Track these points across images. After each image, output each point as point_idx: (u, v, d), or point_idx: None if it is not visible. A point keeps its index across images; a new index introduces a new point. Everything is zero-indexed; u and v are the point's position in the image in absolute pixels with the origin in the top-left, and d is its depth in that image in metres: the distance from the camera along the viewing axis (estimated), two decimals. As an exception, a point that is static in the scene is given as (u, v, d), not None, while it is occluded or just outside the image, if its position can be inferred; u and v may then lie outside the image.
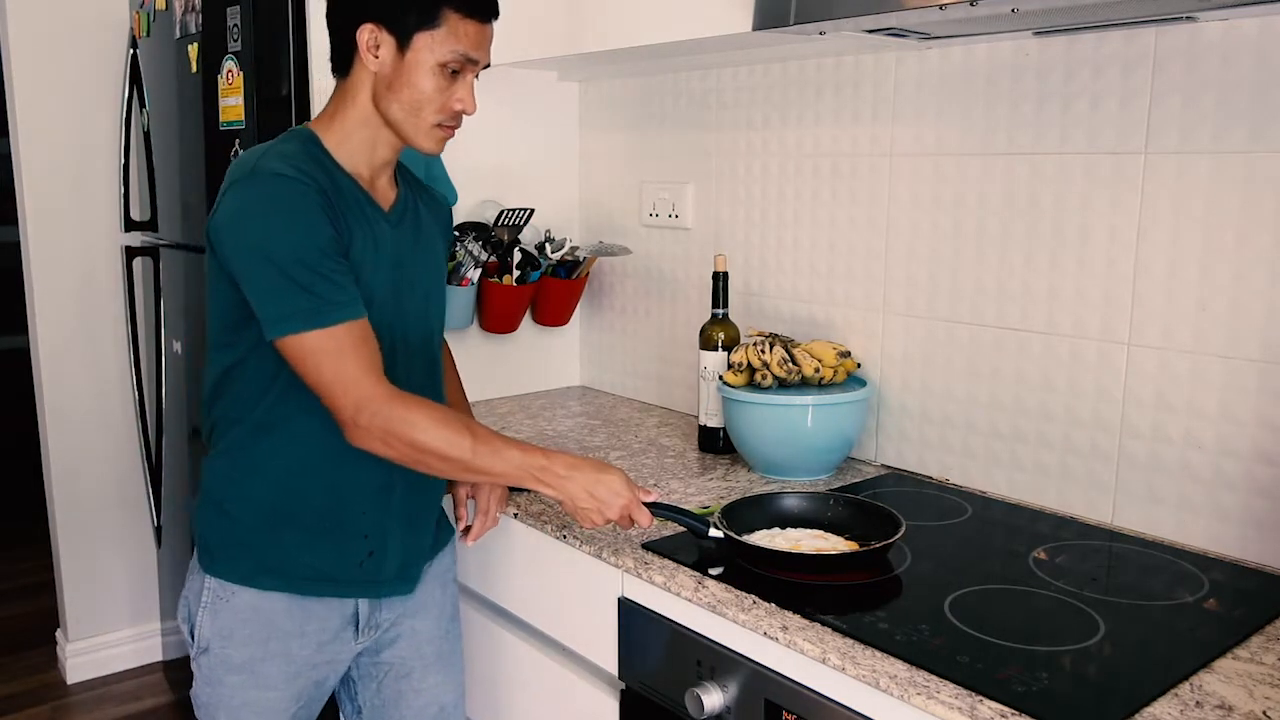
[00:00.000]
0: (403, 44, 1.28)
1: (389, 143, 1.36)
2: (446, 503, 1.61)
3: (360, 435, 1.24)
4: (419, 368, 1.42)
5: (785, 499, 1.48)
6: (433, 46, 1.28)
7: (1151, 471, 1.46)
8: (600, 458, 1.85)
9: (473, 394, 2.23)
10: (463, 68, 1.31)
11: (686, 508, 1.48)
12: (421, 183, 1.52)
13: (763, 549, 1.32)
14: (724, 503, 1.47)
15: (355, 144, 1.34)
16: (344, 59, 1.33)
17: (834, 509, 1.45)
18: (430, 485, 1.44)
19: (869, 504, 1.45)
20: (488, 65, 1.35)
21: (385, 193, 1.39)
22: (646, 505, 1.36)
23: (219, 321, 1.33)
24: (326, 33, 1.35)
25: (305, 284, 1.20)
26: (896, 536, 1.32)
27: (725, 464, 1.81)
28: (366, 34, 1.28)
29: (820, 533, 1.42)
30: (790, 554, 1.32)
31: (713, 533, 1.36)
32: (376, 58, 1.29)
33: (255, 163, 1.25)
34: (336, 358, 1.22)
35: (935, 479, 1.74)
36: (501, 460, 1.29)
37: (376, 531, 1.38)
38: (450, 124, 1.34)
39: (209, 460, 1.39)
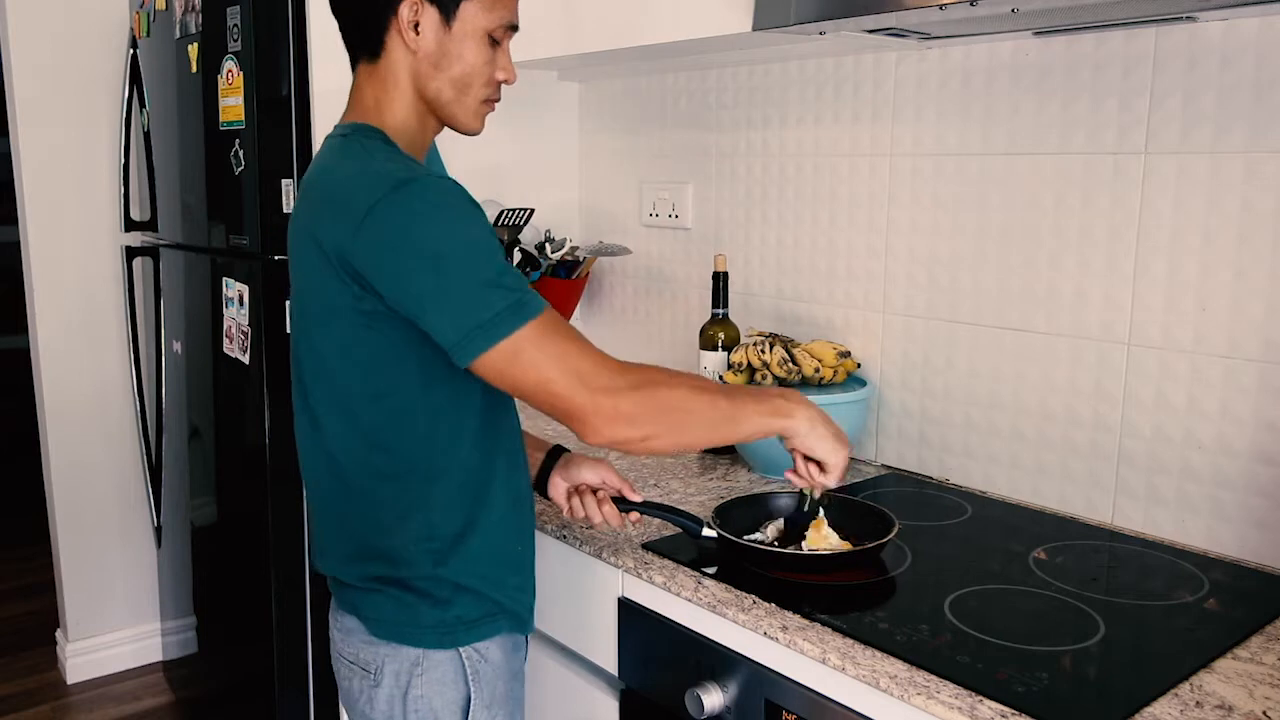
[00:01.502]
0: (448, 15, 1.18)
1: (433, 128, 1.26)
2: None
3: (607, 419, 1.09)
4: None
5: (779, 498, 1.48)
6: (479, 14, 1.19)
7: (1151, 471, 1.46)
8: (600, 457, 1.85)
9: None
10: (504, 34, 1.23)
11: (683, 509, 1.47)
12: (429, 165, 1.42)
13: (754, 548, 1.31)
14: (722, 501, 1.47)
15: (410, 134, 1.23)
16: (374, 40, 1.20)
17: (827, 508, 1.46)
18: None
19: (862, 504, 1.45)
20: (518, 29, 1.26)
21: None
22: (634, 506, 1.35)
23: (359, 373, 1.15)
24: (338, 17, 1.24)
25: (497, 281, 1.07)
26: (889, 536, 1.32)
27: (725, 464, 1.81)
28: (408, 10, 1.17)
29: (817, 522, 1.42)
30: (782, 553, 1.32)
31: (706, 532, 1.36)
32: (417, 34, 1.18)
33: (383, 172, 1.10)
34: (557, 346, 1.09)
35: (935, 479, 1.74)
36: (747, 400, 1.19)
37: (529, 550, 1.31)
38: (495, 97, 1.26)
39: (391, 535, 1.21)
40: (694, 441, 1.18)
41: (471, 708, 1.24)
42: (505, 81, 1.26)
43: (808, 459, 1.28)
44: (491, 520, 1.23)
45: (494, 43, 1.22)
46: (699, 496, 1.62)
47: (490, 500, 1.22)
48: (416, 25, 1.18)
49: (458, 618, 1.22)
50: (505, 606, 1.26)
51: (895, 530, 1.33)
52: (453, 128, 1.26)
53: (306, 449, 1.26)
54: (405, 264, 1.07)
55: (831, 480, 1.28)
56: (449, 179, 1.12)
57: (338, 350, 1.16)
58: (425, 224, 1.07)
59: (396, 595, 1.21)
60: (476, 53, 1.21)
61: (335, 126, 1.25)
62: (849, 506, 1.45)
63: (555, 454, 1.44)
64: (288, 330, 2.09)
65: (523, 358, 1.07)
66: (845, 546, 1.36)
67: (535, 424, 1.94)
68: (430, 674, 1.22)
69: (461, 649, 1.23)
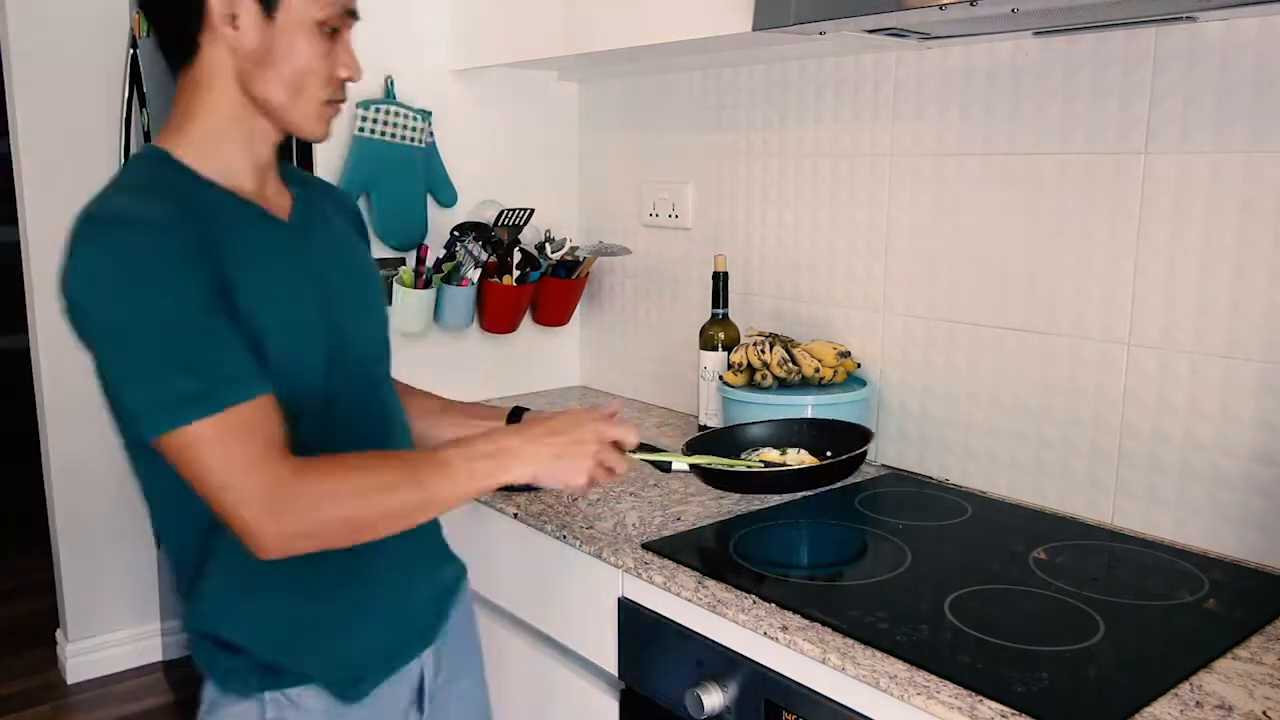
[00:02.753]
0: (269, 5, 1.02)
1: (266, 136, 1.09)
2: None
3: (275, 539, 0.96)
4: (372, 402, 1.18)
5: (751, 428, 1.48)
6: (307, 6, 1.04)
7: (1151, 471, 1.46)
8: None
9: (472, 394, 2.23)
10: (341, 23, 1.08)
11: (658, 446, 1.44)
12: (311, 176, 1.27)
13: (723, 471, 1.31)
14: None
15: (227, 148, 1.07)
16: (185, 41, 1.04)
17: (801, 433, 1.46)
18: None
19: (839, 422, 1.45)
20: (359, 18, 1.12)
21: (278, 200, 1.13)
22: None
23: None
24: (148, 18, 1.08)
25: (185, 362, 0.94)
26: (863, 449, 1.32)
27: (725, 464, 1.81)
28: (220, 5, 1.01)
29: (795, 450, 1.43)
30: (749, 473, 1.30)
31: (676, 466, 1.29)
32: (235, 29, 1.02)
33: (93, 207, 0.97)
34: (232, 446, 0.94)
35: (935, 479, 1.74)
36: (451, 472, 1.04)
37: (401, 579, 1.18)
38: (338, 97, 1.10)
39: (196, 592, 1.09)
40: (387, 534, 1.03)
41: None
42: (348, 79, 1.10)
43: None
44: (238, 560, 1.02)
45: (331, 33, 1.07)
46: (699, 496, 1.62)
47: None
48: (233, 18, 1.02)
49: (251, 663, 1.08)
50: (297, 670, 1.09)
51: (870, 444, 1.34)
52: (294, 134, 1.10)
53: None
54: (87, 320, 0.96)
55: (604, 482, 1.14)
56: (148, 224, 0.95)
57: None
58: (105, 284, 0.94)
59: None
60: (308, 47, 1.05)
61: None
62: (824, 427, 1.45)
63: (515, 416, 1.34)
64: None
65: (196, 454, 0.94)
66: (813, 461, 1.36)
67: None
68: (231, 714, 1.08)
69: (267, 694, 1.08)
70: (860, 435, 1.38)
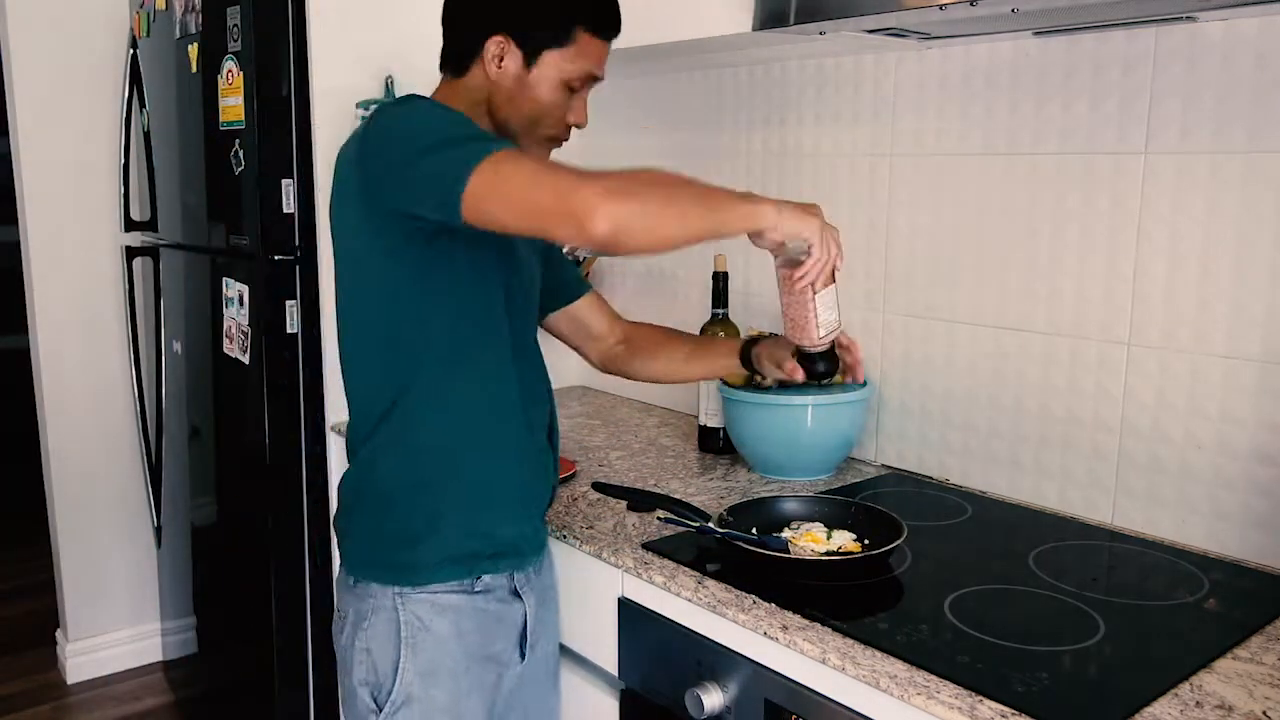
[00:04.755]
0: (530, 60, 1.25)
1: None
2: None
3: (607, 200, 1.05)
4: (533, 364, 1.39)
5: (785, 502, 1.48)
6: (560, 65, 1.26)
7: (1151, 471, 1.46)
8: (600, 458, 1.85)
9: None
10: (583, 85, 1.29)
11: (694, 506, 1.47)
12: None
13: (762, 554, 1.31)
14: (725, 504, 1.47)
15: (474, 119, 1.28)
16: (462, 62, 1.29)
17: (828, 511, 1.46)
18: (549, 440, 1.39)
19: (869, 507, 1.45)
20: (601, 79, 1.32)
21: None
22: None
23: (381, 303, 1.24)
24: (443, 28, 1.31)
25: (465, 138, 1.13)
26: (899, 541, 1.32)
27: (725, 464, 1.81)
28: (494, 45, 1.25)
29: (820, 525, 1.42)
30: (791, 559, 1.32)
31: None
32: (500, 69, 1.26)
33: (390, 103, 1.24)
34: (529, 163, 1.10)
35: (935, 479, 1.74)
36: (720, 190, 1.16)
37: (520, 501, 1.34)
38: (563, 137, 1.32)
39: (367, 457, 1.29)
40: (683, 220, 1.11)
41: (400, 667, 1.26)
42: (576, 125, 1.31)
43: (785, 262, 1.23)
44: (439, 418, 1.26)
45: (571, 90, 1.28)
46: (699, 496, 1.62)
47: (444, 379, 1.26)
48: (501, 59, 1.26)
49: (409, 560, 1.26)
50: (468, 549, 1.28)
51: (904, 535, 1.33)
52: None
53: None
54: (387, 154, 1.14)
55: (812, 259, 1.20)
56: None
57: (362, 269, 1.24)
58: (393, 120, 1.17)
59: (360, 522, 1.31)
60: (550, 97, 1.27)
61: None
62: (855, 510, 1.45)
63: (748, 346, 1.49)
64: (288, 330, 2.09)
65: (501, 181, 1.08)
66: (855, 549, 1.36)
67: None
68: (375, 628, 1.27)
69: (400, 611, 1.26)
70: (892, 525, 1.36)
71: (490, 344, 1.28)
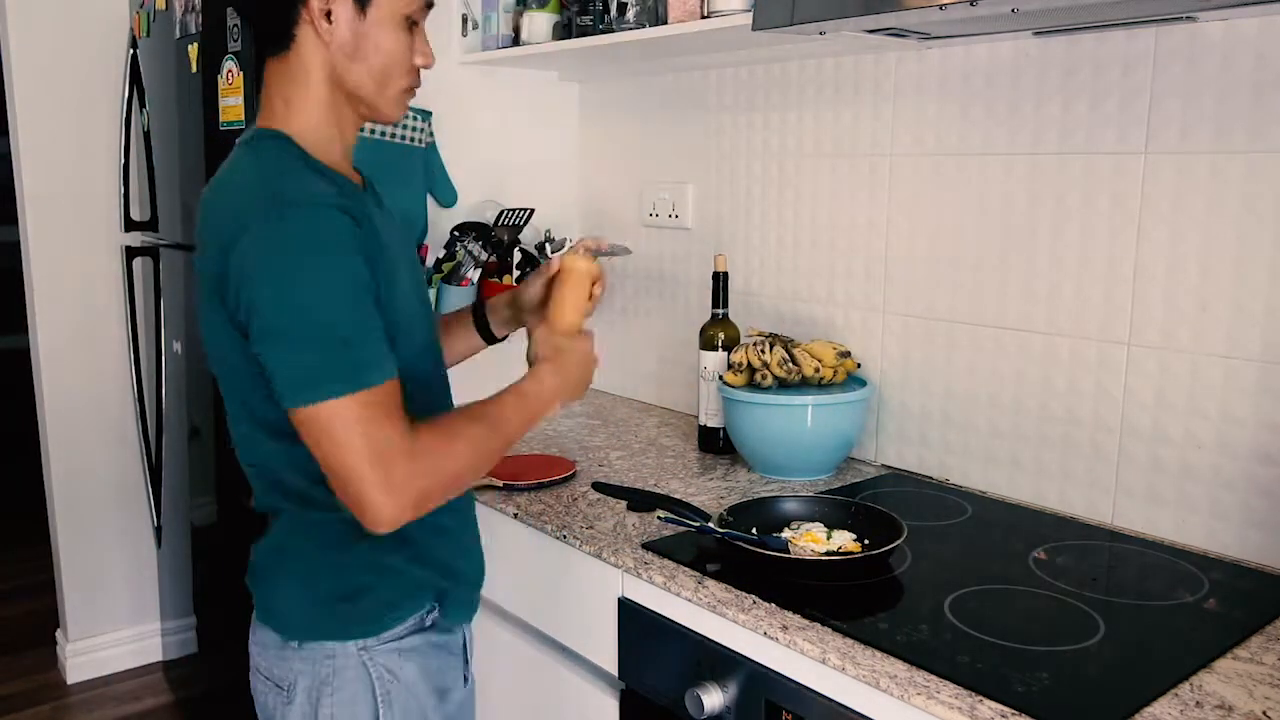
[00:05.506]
0: (363, 1, 1.11)
1: (354, 122, 1.18)
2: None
3: (391, 510, 1.01)
4: (441, 370, 1.30)
5: (785, 502, 1.48)
6: (395, 2, 1.12)
7: (1151, 471, 1.46)
8: (600, 458, 1.85)
9: (473, 394, 2.22)
10: (421, 16, 1.16)
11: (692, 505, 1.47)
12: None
13: (762, 554, 1.31)
14: (725, 504, 1.47)
15: (324, 134, 1.14)
16: (282, 32, 1.11)
17: (828, 511, 1.46)
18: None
19: (869, 507, 1.45)
20: (433, 6, 1.20)
21: (358, 181, 1.21)
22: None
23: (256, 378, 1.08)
24: (240, 8, 1.17)
25: (342, 340, 1.01)
26: (899, 541, 1.32)
27: (725, 464, 1.81)
28: (317, 1, 1.09)
29: (820, 525, 1.42)
30: (791, 559, 1.32)
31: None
32: (329, 23, 1.10)
33: (267, 193, 1.04)
34: (365, 425, 1.00)
35: (935, 479, 1.74)
36: (511, 419, 1.16)
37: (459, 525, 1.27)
38: (415, 84, 1.19)
39: (288, 527, 1.18)
40: (482, 468, 1.13)
41: None
42: (425, 66, 1.19)
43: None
44: None
45: (411, 25, 1.15)
46: (699, 496, 1.62)
47: None
48: (329, 14, 1.10)
49: (361, 612, 1.16)
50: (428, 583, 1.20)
51: (904, 534, 1.33)
52: (373, 120, 1.19)
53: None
54: (259, 294, 1.00)
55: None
56: (330, 209, 1.03)
57: (231, 364, 1.11)
58: (291, 260, 1.00)
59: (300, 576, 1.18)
60: (395, 40, 1.13)
61: (245, 130, 1.18)
62: (855, 510, 1.45)
63: (479, 312, 1.47)
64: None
65: (339, 427, 1.00)
66: (855, 549, 1.36)
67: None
68: (340, 691, 1.15)
69: (370, 666, 1.16)
70: (892, 525, 1.36)
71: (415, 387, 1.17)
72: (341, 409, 1.00)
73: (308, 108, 1.13)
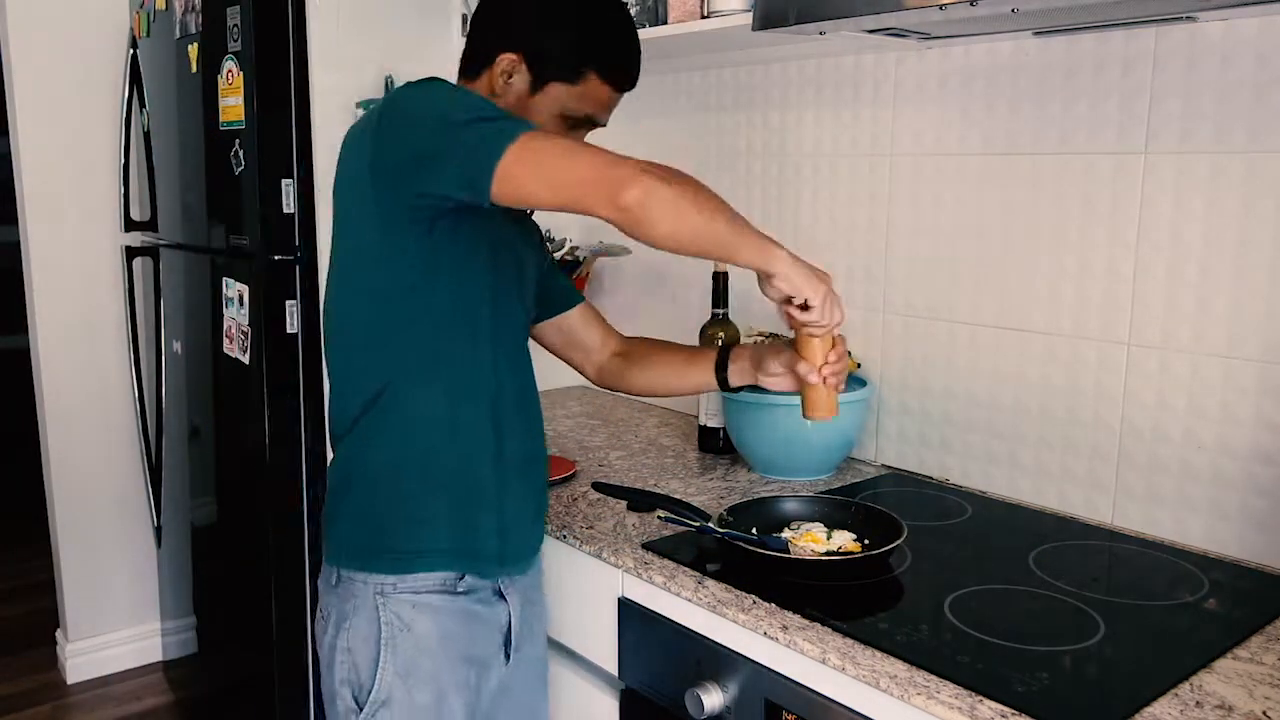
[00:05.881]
0: (536, 86, 1.26)
1: None
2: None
3: (645, 175, 1.09)
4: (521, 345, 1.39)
5: (785, 502, 1.48)
6: (564, 100, 1.26)
7: (1151, 471, 1.46)
8: (600, 458, 1.85)
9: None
10: (582, 124, 1.30)
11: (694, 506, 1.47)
12: None
13: (762, 554, 1.31)
14: (725, 504, 1.47)
15: None
16: (476, 67, 1.29)
17: (828, 511, 1.46)
18: (537, 452, 1.39)
19: (869, 507, 1.45)
20: (603, 125, 1.33)
21: None
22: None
23: (377, 277, 1.22)
24: (469, 31, 1.31)
25: (491, 114, 1.11)
26: (899, 541, 1.32)
27: (725, 464, 1.81)
28: (506, 61, 1.25)
29: (820, 525, 1.42)
30: (791, 559, 1.32)
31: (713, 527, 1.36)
32: (506, 84, 1.26)
33: (405, 84, 1.21)
34: (562, 142, 1.11)
35: (935, 479, 1.74)
36: (750, 232, 1.17)
37: (504, 504, 1.32)
38: None
39: (355, 442, 1.28)
40: (708, 222, 1.13)
41: (380, 667, 1.24)
42: None
43: (789, 304, 1.22)
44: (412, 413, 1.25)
45: (571, 125, 1.28)
46: (699, 496, 1.62)
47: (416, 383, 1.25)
48: (509, 76, 1.25)
49: (384, 545, 1.26)
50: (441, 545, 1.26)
51: (904, 534, 1.33)
52: None
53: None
54: (405, 135, 1.13)
55: (814, 314, 1.20)
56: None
57: (358, 245, 1.23)
58: (415, 98, 1.15)
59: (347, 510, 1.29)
60: (549, 126, 1.26)
61: None
62: (851, 507, 1.45)
63: (724, 354, 1.47)
64: (289, 330, 2.09)
65: (536, 154, 1.08)
66: (855, 549, 1.36)
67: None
68: (356, 629, 1.25)
69: (381, 610, 1.24)
70: (892, 525, 1.36)
71: (474, 348, 1.27)
72: (531, 136, 1.09)
73: None
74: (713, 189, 1.16)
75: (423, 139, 1.12)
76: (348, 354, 1.28)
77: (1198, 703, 1.00)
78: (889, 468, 1.81)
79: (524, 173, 1.08)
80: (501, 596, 1.32)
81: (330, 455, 1.35)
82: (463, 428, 1.26)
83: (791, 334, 1.32)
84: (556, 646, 1.58)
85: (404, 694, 1.25)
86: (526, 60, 1.25)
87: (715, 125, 2.08)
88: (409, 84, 1.19)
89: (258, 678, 2.25)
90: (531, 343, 1.49)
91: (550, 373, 2.43)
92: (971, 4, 1.19)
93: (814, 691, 1.14)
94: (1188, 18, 1.32)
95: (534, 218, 2.26)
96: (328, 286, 1.31)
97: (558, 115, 1.27)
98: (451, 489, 1.27)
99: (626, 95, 1.41)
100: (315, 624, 1.34)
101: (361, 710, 1.25)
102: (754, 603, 1.22)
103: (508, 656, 1.34)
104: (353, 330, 1.27)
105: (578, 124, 1.29)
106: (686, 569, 1.32)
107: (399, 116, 1.16)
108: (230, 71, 2.07)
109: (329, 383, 1.32)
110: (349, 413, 1.28)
